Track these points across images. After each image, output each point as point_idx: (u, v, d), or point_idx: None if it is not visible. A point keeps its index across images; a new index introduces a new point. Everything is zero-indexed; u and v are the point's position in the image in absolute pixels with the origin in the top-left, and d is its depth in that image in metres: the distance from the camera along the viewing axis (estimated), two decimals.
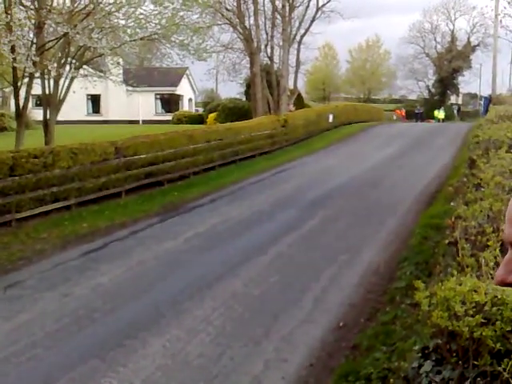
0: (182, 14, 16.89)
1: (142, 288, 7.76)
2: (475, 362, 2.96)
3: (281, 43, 30.49)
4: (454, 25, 54.71)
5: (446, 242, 5.82)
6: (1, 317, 6.73)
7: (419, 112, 47.72)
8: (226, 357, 5.68)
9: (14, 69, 14.22)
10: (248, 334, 6.20)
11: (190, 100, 47.63)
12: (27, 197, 11.27)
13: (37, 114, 25.33)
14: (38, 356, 5.76)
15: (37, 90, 16.30)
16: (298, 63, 32.86)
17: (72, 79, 16.43)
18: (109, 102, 41.64)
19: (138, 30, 16.17)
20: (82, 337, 6.25)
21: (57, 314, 6.83)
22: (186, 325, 6.46)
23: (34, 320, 6.64)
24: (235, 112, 34.37)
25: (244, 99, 38.49)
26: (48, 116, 16.19)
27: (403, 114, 49.83)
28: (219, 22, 27.38)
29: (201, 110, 46.15)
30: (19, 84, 14.78)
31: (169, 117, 40.67)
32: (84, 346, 5.98)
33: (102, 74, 19.76)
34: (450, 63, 52.39)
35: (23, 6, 14.24)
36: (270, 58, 30.80)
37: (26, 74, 14.53)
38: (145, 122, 40.44)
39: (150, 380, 5.26)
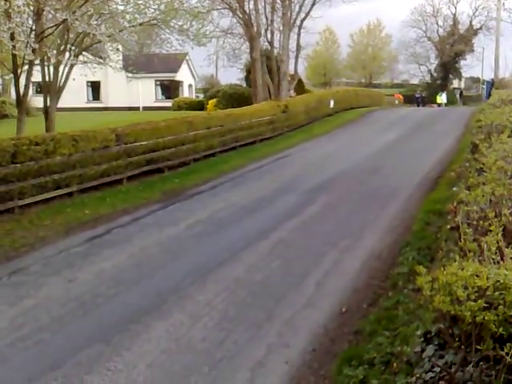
0: None
1: (145, 274, 7.81)
2: (478, 347, 2.98)
3: (281, 28, 30.24)
4: (455, 8, 54.39)
5: (448, 227, 5.84)
6: (6, 302, 6.78)
7: (419, 96, 47.51)
8: (229, 341, 5.73)
9: (14, 56, 14.16)
10: (251, 319, 6.24)
11: (190, 86, 47.44)
12: (29, 184, 11.30)
13: (37, 102, 25.26)
14: (44, 340, 5.82)
15: (37, 77, 16.26)
16: (299, 48, 32.62)
17: (72, 66, 16.38)
18: (109, 89, 41.50)
19: (137, 15, 16.08)
20: (87, 321, 6.30)
21: (62, 299, 6.88)
22: (189, 310, 6.51)
23: (39, 305, 6.69)
24: (235, 98, 34.22)
25: (244, 85, 38.31)
26: (48, 103, 16.17)
27: (397, 96, 50.07)
28: (218, 7, 27.17)
29: (201, 96, 45.96)
30: (19, 71, 14.73)
31: (169, 103, 40.55)
32: (89, 331, 6.03)
33: (101, 61, 19.67)
34: (452, 47, 52.05)
35: None
36: (270, 43, 30.57)
37: (26, 61, 14.47)
38: (145, 108, 40.35)
39: (154, 364, 5.31)
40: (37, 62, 15.08)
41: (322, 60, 64.10)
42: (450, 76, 54.39)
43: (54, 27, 15.01)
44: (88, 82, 37.46)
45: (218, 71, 55.12)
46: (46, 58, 15.11)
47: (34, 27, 14.39)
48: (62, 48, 15.72)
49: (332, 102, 30.84)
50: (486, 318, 2.91)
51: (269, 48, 30.88)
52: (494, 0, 35.61)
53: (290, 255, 8.51)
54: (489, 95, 28.40)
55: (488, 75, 45.03)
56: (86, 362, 5.35)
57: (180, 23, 17.42)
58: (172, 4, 16.44)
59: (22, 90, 15.08)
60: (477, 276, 3.14)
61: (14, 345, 5.71)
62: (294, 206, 11.61)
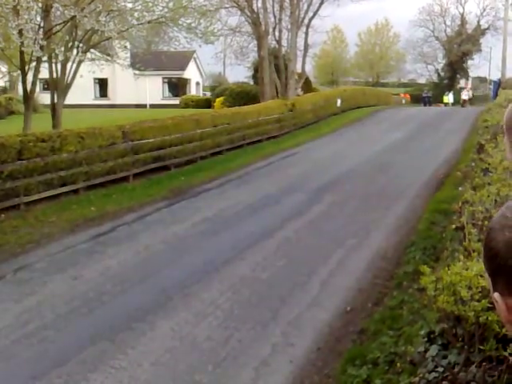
0: None
1: (150, 272, 7.82)
2: (481, 347, 2.97)
3: (289, 26, 30.18)
4: (463, 8, 54.13)
5: (453, 227, 5.82)
6: (11, 299, 6.81)
7: (427, 96, 47.28)
8: (233, 340, 5.73)
9: (22, 53, 14.20)
10: (255, 318, 6.24)
11: (198, 84, 47.44)
12: (35, 180, 11.33)
13: (44, 98, 25.34)
14: (48, 338, 5.83)
15: (44, 73, 16.29)
16: (306, 47, 32.56)
17: (79, 63, 16.41)
18: (116, 86, 41.57)
19: (145, 13, 16.09)
20: (92, 319, 6.32)
21: (66, 296, 6.90)
22: (193, 308, 6.51)
23: (44, 302, 6.71)
24: (243, 96, 34.22)
25: (252, 83, 38.26)
26: (55, 100, 16.20)
27: (404, 96, 50.25)
28: (227, 5, 27.15)
29: (208, 94, 45.96)
30: (27, 68, 14.76)
31: (176, 101, 40.57)
32: (94, 329, 6.04)
33: (109, 58, 19.68)
34: (460, 47, 51.82)
35: None
36: (278, 42, 30.53)
37: (34, 58, 14.50)
38: (152, 106, 40.40)
39: (158, 362, 5.32)
40: (44, 58, 15.11)
41: (330, 59, 64.01)
42: (458, 76, 54.15)
43: (63, 24, 15.05)
44: (95, 78, 37.46)
45: (225, 69, 55.11)
46: (53, 54, 15.14)
47: (42, 24, 14.42)
48: (69, 45, 15.75)
49: (339, 101, 30.78)
50: (489, 318, 2.90)
51: (277, 46, 30.84)
52: (502, 0, 35.47)
53: (296, 254, 8.51)
54: (496, 95, 28.26)
55: (495, 75, 44.82)
56: (91, 360, 5.36)
57: (188, 21, 17.44)
58: (180, 2, 16.44)
59: (29, 87, 15.12)
60: (481, 276, 3.13)
61: (18, 342, 5.73)
62: (301, 204, 11.60)
